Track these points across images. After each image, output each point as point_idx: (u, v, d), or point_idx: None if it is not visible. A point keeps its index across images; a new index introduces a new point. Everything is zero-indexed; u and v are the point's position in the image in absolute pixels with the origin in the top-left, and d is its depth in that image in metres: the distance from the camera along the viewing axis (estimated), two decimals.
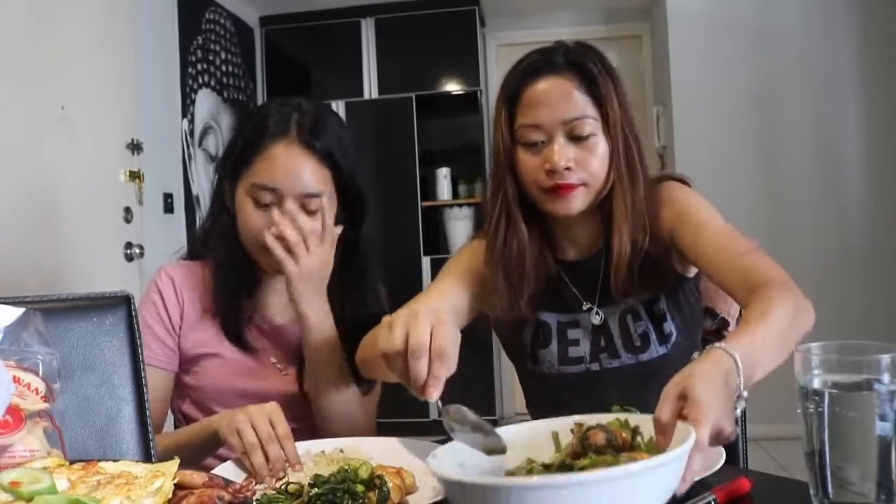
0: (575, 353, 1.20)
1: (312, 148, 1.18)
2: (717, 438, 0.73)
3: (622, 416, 0.80)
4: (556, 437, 0.82)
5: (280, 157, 1.18)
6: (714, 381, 0.75)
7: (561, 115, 1.11)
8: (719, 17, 3.67)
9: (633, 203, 1.13)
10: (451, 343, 0.84)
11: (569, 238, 1.23)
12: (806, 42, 3.61)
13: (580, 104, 1.11)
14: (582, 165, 1.11)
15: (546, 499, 0.62)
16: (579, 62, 1.13)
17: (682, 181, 1.23)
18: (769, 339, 0.86)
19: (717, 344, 0.81)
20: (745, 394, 0.78)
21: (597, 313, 1.20)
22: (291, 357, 1.28)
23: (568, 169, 1.10)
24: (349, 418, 1.23)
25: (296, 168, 1.17)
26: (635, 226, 1.13)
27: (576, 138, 1.11)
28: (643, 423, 0.77)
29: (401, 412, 2.05)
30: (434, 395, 0.83)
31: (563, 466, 0.75)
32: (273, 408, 1.01)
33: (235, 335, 1.25)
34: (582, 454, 0.75)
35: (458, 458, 0.78)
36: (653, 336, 1.17)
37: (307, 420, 1.23)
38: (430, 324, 0.85)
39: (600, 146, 1.12)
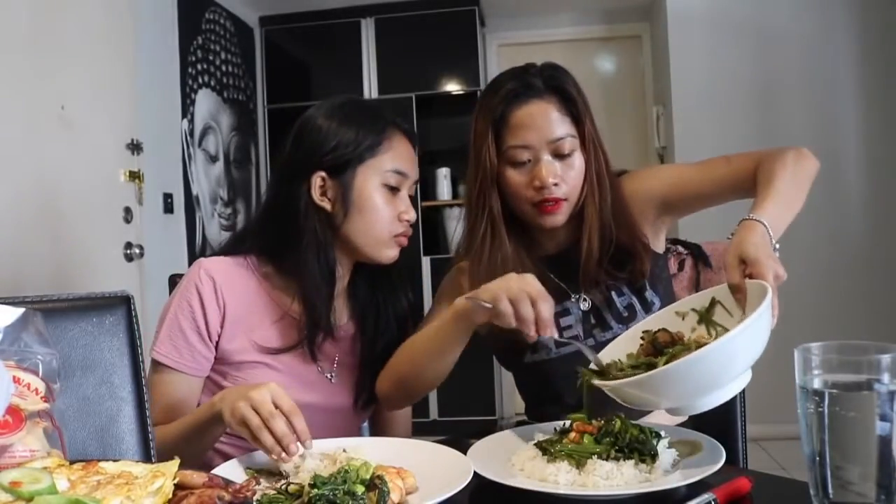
0: (569, 335, 1.26)
1: (414, 137, 1.29)
2: (777, 280, 0.91)
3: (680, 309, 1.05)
4: (647, 336, 1.03)
5: (404, 146, 1.26)
6: (758, 242, 0.95)
7: (547, 136, 1.22)
8: (719, 17, 3.67)
9: (601, 209, 1.25)
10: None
11: (548, 236, 1.31)
12: (806, 42, 3.61)
13: (562, 125, 1.23)
14: (565, 180, 1.23)
15: (711, 361, 0.84)
16: (557, 85, 1.24)
17: (623, 172, 1.36)
18: (782, 196, 1.06)
19: (747, 216, 1.01)
20: (777, 245, 0.97)
21: (584, 300, 1.28)
22: (333, 361, 1.27)
23: (556, 184, 1.22)
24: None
25: (412, 154, 1.28)
26: (603, 229, 1.25)
27: (559, 156, 1.23)
28: (717, 293, 1.00)
29: None
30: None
31: (649, 364, 0.94)
32: (273, 387, 0.99)
33: (314, 345, 1.22)
34: (655, 353, 0.97)
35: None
36: (637, 306, 1.25)
37: (351, 432, 1.21)
38: (529, 278, 1.03)
39: (578, 161, 1.24)
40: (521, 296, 1.01)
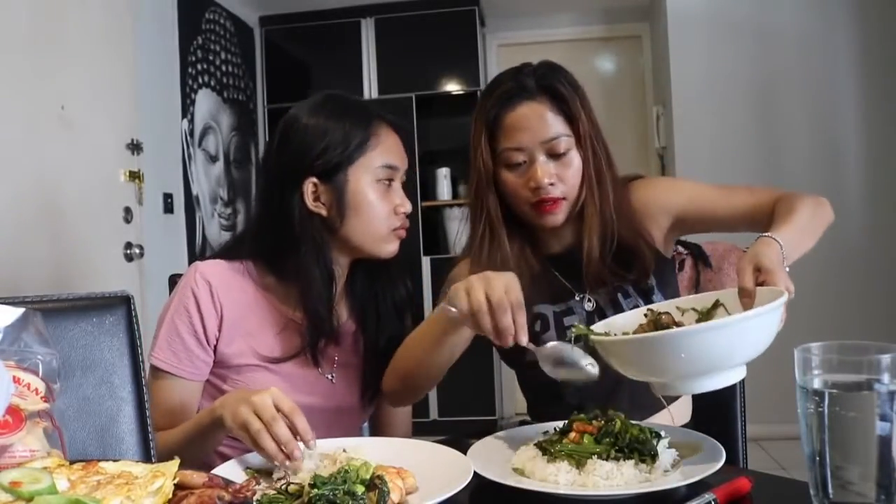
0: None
1: (400, 127, 1.28)
2: (787, 294, 0.91)
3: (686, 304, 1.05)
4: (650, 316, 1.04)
5: (391, 138, 1.24)
6: (774, 257, 0.96)
7: (540, 137, 1.22)
8: (719, 17, 3.67)
9: (601, 207, 1.25)
10: (522, 295, 1.00)
11: (552, 235, 1.31)
12: (806, 42, 3.61)
13: (555, 125, 1.23)
14: (562, 180, 1.23)
15: (720, 336, 0.85)
16: (549, 85, 1.23)
17: (638, 177, 1.36)
18: (799, 228, 1.07)
19: (764, 234, 1.01)
20: (787, 269, 0.97)
21: (588, 300, 1.28)
22: (333, 362, 1.26)
23: (552, 184, 1.22)
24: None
25: (400, 145, 1.27)
26: (604, 227, 1.25)
27: (554, 156, 1.23)
28: (721, 296, 1.02)
29: None
30: (524, 339, 0.98)
31: None
32: (275, 391, 0.98)
33: (317, 350, 1.22)
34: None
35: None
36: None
37: (352, 432, 1.21)
38: (504, 281, 0.99)
39: (575, 160, 1.24)
40: (479, 307, 0.98)
